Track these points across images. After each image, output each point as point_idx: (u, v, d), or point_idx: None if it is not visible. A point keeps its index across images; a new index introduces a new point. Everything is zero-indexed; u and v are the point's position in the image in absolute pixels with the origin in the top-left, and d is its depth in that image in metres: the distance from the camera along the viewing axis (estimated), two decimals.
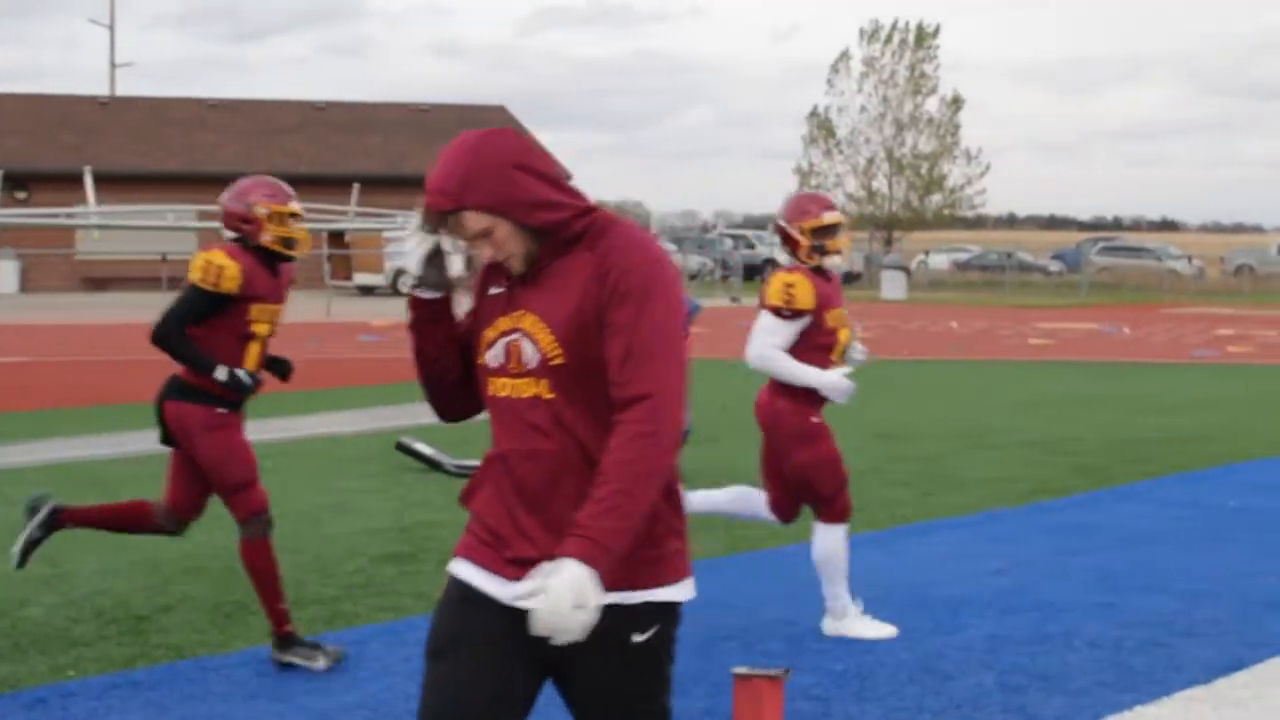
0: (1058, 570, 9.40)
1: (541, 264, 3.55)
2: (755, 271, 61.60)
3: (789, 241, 7.82)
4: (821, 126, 70.02)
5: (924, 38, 69.79)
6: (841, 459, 7.84)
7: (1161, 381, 22.55)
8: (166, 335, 6.97)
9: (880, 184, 69.61)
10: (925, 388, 21.44)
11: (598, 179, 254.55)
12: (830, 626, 7.85)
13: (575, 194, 3.55)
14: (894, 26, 69.81)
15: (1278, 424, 17.22)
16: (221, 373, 6.97)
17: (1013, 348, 29.52)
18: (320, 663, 7.07)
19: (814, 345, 7.69)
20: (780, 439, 7.78)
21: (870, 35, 70.02)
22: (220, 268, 6.97)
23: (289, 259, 7.26)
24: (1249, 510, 11.62)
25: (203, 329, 7.03)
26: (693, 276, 55.55)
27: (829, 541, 7.84)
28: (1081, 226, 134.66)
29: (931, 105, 69.77)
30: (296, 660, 7.08)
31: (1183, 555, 9.95)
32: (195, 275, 7.00)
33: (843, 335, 7.80)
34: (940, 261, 71.56)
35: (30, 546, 7.44)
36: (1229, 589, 8.90)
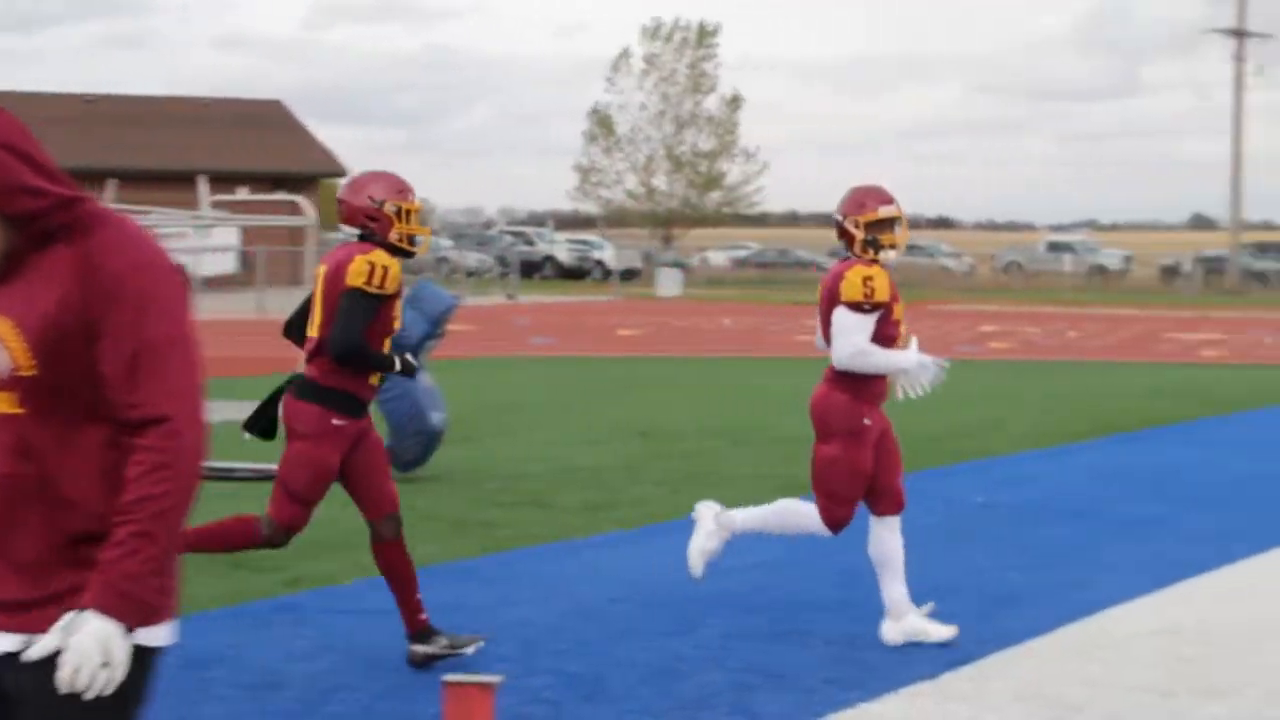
0: (802, 567, 9.48)
1: (17, 260, 3.13)
2: (534, 269, 61.64)
3: (844, 235, 7.76)
4: (601, 124, 70.30)
5: (705, 36, 70.41)
6: (867, 476, 7.70)
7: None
8: (356, 349, 6.87)
9: (660, 181, 70.06)
10: (691, 385, 21.57)
11: None
12: (889, 631, 7.68)
13: (65, 182, 3.16)
14: (675, 25, 70.28)
15: (1030, 420, 17.63)
16: (397, 363, 7.01)
17: (782, 345, 29.86)
18: (468, 646, 7.08)
19: (880, 338, 7.65)
20: (828, 429, 7.71)
21: (651, 33, 70.43)
22: (385, 269, 6.90)
23: (412, 255, 7.21)
24: (995, 506, 11.86)
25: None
26: (471, 273, 55.38)
27: (807, 526, 7.81)
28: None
29: (711, 104, 70.44)
30: (440, 649, 7.01)
31: (926, 552, 10.06)
32: (359, 280, 6.86)
33: (903, 329, 7.80)
34: (719, 259, 72.20)
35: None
36: (968, 585, 9.06)
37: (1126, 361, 27.11)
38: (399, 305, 7.10)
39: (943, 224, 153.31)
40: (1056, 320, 40.09)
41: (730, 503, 11.67)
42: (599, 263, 63.14)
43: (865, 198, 7.75)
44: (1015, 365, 25.96)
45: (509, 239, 64.37)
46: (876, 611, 8.30)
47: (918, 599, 7.80)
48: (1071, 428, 16.89)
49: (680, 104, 70.00)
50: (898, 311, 7.69)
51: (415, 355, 12.65)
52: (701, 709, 6.60)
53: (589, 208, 74.41)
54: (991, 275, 68.07)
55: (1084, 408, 19.00)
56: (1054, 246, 71.37)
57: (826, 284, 7.74)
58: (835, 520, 7.78)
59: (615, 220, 73.88)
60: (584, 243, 66.04)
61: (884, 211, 7.71)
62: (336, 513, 11.02)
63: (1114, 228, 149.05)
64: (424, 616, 7.10)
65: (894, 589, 7.75)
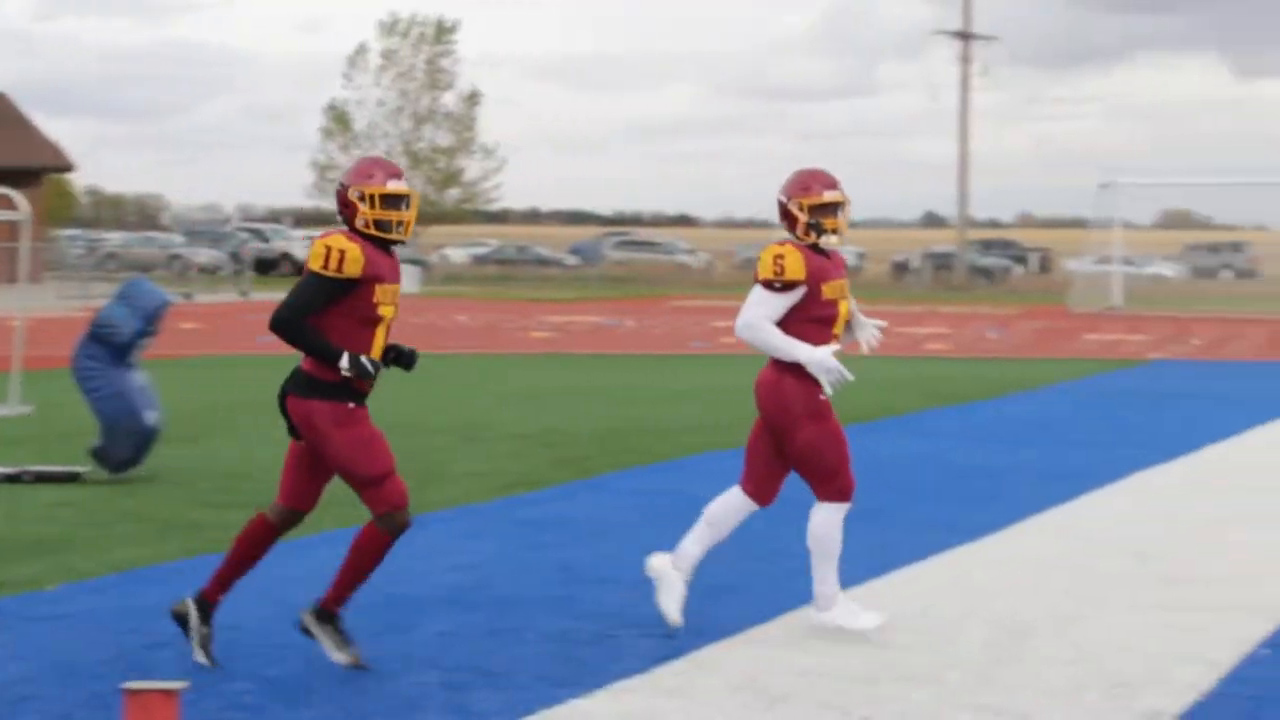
0: (521, 564, 9.41)
1: None
2: (269, 266, 60.73)
3: (787, 217, 7.70)
4: (338, 120, 69.49)
5: (443, 33, 69.98)
6: (846, 437, 7.73)
7: (656, 373, 23.09)
8: (285, 322, 6.80)
9: None
10: (422, 382, 21.31)
11: (119, 170, 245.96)
12: (817, 618, 7.73)
13: None
14: (412, 21, 69.76)
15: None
16: (345, 360, 6.79)
17: (516, 341, 29.79)
18: (341, 656, 6.95)
19: (811, 318, 7.61)
20: (788, 418, 7.66)
21: (389, 29, 69.81)
22: (341, 251, 6.78)
23: (388, 241, 7.00)
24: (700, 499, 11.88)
25: (324, 316, 6.86)
26: (204, 270, 54.35)
27: (826, 522, 7.71)
28: (602, 221, 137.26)
29: (450, 100, 70.06)
30: (322, 638, 6.99)
31: (646, 546, 10.05)
32: (315, 263, 6.80)
33: (843, 308, 7.73)
34: (459, 256, 71.90)
35: (207, 644, 7.09)
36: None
37: (857, 356, 27.50)
38: (383, 291, 6.92)
39: (683, 221, 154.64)
40: None
41: (453, 499, 11.65)
42: None
43: (810, 181, 7.73)
44: (748, 360, 26.22)
45: (243, 236, 63.27)
46: (593, 607, 8.28)
47: (638, 592, 7.77)
48: None
49: (418, 100, 69.49)
50: (829, 290, 7.66)
51: (129, 353, 12.39)
52: (411, 710, 6.47)
53: (329, 205, 73.50)
54: (729, 271, 68.86)
55: None
56: None
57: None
58: (844, 490, 7.74)
59: None
60: None
61: (828, 196, 7.69)
62: (43, 514, 10.70)
63: (850, 225, 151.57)
64: (340, 609, 7.08)
65: (827, 574, 7.76)
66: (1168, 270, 64.26)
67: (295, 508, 7.24)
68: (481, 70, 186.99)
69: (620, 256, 68.01)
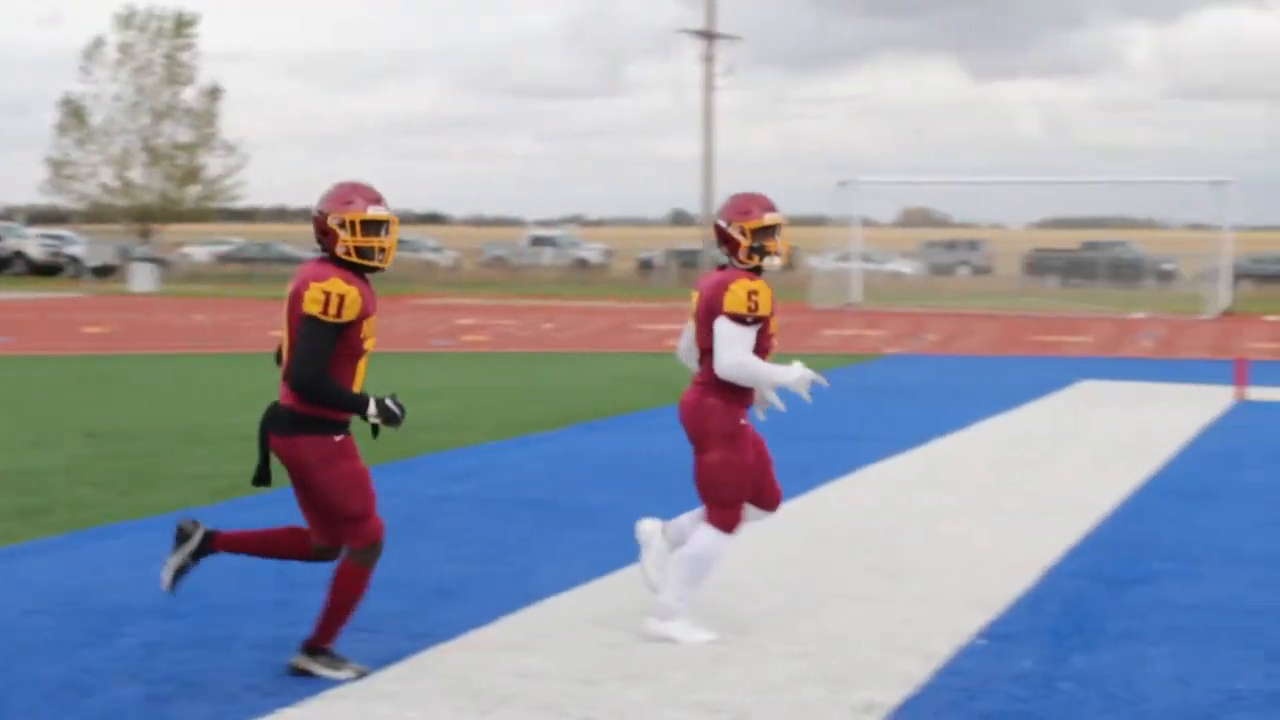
0: (235, 570, 9.09)
1: None
2: (3, 265, 59.02)
3: (727, 241, 7.64)
4: (74, 115, 67.62)
5: (182, 26, 68.51)
6: (753, 474, 7.69)
7: (397, 372, 22.78)
8: (313, 381, 6.64)
9: (136, 175, 67.86)
10: (151, 383, 20.80)
11: None
12: (653, 628, 7.66)
13: None
14: (150, 14, 68.17)
15: (499, 411, 17.64)
16: (373, 408, 6.70)
17: (257, 341, 29.20)
18: (346, 673, 6.88)
19: (756, 349, 7.59)
20: (704, 436, 7.63)
21: (125, 22, 68.11)
22: (340, 297, 6.64)
23: (367, 270, 6.83)
24: (448, 498, 11.74)
25: None
26: None
27: (709, 544, 7.64)
28: None
29: (190, 95, 68.62)
30: (321, 670, 6.89)
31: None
32: (315, 309, 6.63)
33: (775, 341, 7.77)
34: (201, 254, 70.46)
35: (180, 573, 7.02)
36: (408, 580, 8.86)
37: (599, 352, 27.57)
38: (369, 325, 6.80)
39: (433, 219, 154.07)
40: (534, 313, 40.57)
41: (171, 504, 11.28)
42: (73, 259, 60.77)
43: (750, 204, 7.69)
44: (489, 357, 26.08)
45: None
46: (308, 613, 8.03)
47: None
48: (538, 417, 16.99)
49: (157, 95, 67.89)
50: (773, 325, 7.67)
51: None
52: None
53: (64, 202, 71.52)
54: (476, 269, 68.63)
55: (553, 398, 19.18)
56: (537, 241, 72.66)
57: (706, 292, 7.66)
58: (729, 524, 7.70)
59: (95, 215, 71.06)
60: (56, 238, 63.38)
61: (769, 219, 7.66)
62: None
63: (600, 223, 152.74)
64: (330, 643, 6.98)
65: (683, 590, 7.68)
66: (906, 267, 65.60)
67: (328, 544, 7.05)
68: (224, 65, 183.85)
69: None
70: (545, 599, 8.48)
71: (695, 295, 7.77)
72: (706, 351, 7.68)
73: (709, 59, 61.70)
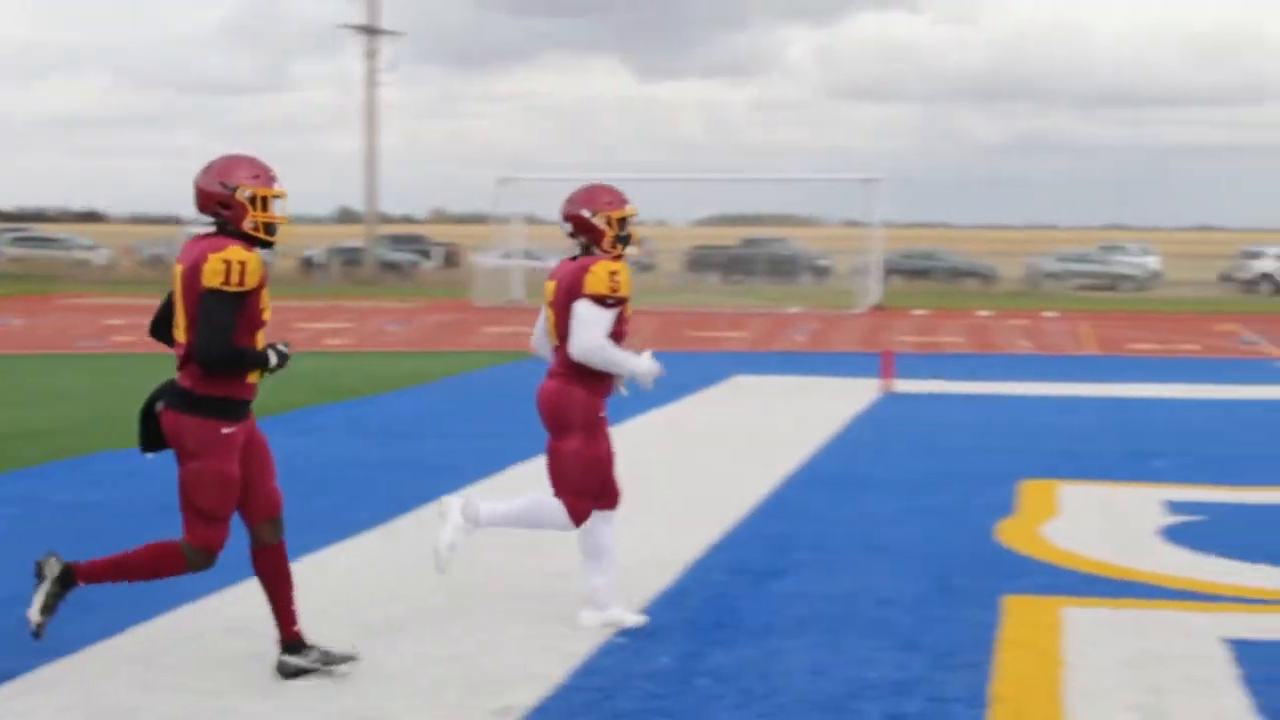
0: None
1: None
2: None
3: (588, 230, 7.73)
4: None
5: None
6: (612, 464, 7.79)
7: (33, 373, 21.98)
8: (226, 354, 6.58)
9: None
10: None
11: None
12: (595, 618, 7.87)
13: None
14: None
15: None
16: (272, 357, 6.75)
17: None
18: (340, 665, 6.96)
19: (613, 334, 7.69)
20: (564, 426, 7.69)
21: None
22: (242, 264, 6.54)
23: (269, 245, 6.75)
24: (81, 505, 11.31)
25: None
26: None
27: (550, 517, 7.77)
28: (4, 217, 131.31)
29: None
30: (310, 664, 6.91)
31: (7, 562, 9.44)
32: (217, 280, 6.52)
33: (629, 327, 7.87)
34: None
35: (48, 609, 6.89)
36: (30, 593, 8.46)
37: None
38: (265, 295, 6.73)
39: (91, 217, 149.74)
40: None
41: None
42: None
43: (611, 195, 7.82)
44: (141, 358, 25.33)
45: None
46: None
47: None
48: None
49: None
50: (628, 310, 7.77)
51: None
52: None
53: None
54: (134, 268, 66.75)
55: None
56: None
57: (565, 280, 7.65)
58: (580, 514, 7.80)
59: None
60: None
61: (628, 209, 7.79)
62: None
63: None
64: (297, 628, 6.95)
65: (600, 580, 7.86)
66: None
67: (272, 515, 7.03)
68: None
69: (17, 253, 64.97)
70: (175, 608, 8.20)
71: (551, 285, 7.87)
72: (565, 339, 7.77)
73: (372, 54, 61.20)
